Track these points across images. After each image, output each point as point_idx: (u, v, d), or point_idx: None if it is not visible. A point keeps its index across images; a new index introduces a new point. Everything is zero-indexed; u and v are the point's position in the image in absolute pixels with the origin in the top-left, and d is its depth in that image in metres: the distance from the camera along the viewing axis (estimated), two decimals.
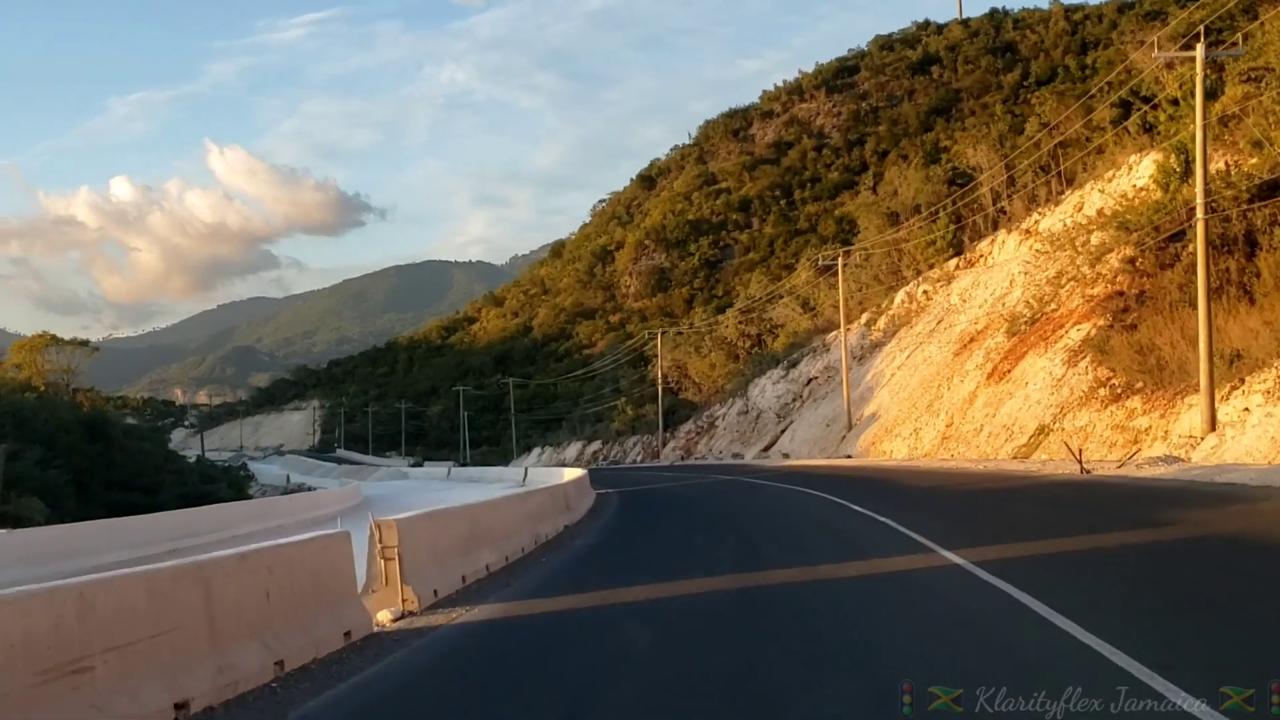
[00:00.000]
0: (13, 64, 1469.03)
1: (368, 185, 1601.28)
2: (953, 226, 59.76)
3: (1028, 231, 54.43)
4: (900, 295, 60.85)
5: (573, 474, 30.02)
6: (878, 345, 59.22)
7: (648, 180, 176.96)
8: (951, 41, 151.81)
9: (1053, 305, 41.74)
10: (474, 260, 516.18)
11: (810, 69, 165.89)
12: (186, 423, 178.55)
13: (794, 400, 64.37)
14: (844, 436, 51.50)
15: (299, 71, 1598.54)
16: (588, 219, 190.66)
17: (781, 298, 75.91)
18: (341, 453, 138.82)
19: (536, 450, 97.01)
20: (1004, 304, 46.97)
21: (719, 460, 64.15)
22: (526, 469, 56.84)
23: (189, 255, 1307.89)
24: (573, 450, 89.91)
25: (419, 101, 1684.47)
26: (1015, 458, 33.53)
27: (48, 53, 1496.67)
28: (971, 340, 46.83)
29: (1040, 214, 54.57)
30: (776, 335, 76.10)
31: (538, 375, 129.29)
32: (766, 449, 60.77)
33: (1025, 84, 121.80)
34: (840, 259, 53.67)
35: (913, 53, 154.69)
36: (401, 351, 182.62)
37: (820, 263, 60.47)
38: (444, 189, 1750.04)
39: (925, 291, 58.13)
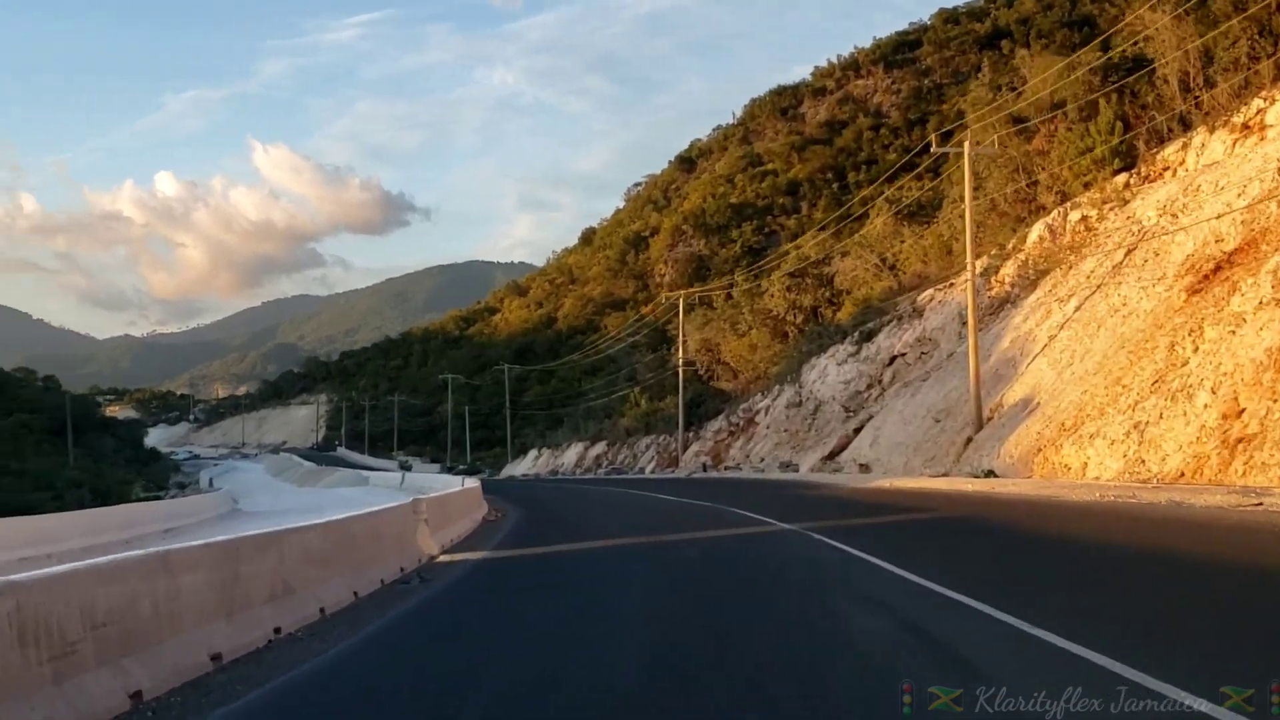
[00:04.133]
0: (72, 63, 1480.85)
1: (414, 186, 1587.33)
2: (1119, 127, 37.65)
3: (1246, 127, 32.89)
4: (1037, 229, 38.66)
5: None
6: (1007, 301, 37.00)
7: (687, 162, 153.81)
8: (1023, 14, 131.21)
9: None
10: (516, 261, 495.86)
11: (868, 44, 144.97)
12: (191, 417, 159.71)
13: (869, 387, 42.30)
14: (969, 439, 29.37)
15: (350, 72, 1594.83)
16: (621, 204, 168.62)
17: (846, 255, 53.70)
18: (341, 452, 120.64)
19: (533, 453, 75.22)
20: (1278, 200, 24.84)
21: (759, 473, 42.28)
22: (474, 478, 35.84)
23: (235, 252, 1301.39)
24: (573, 453, 67.91)
25: (467, 104, 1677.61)
26: None
27: (108, 51, 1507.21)
28: (1220, 267, 24.62)
29: (1266, 99, 32.93)
30: (839, 305, 53.99)
31: (557, 369, 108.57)
32: (832, 456, 38.81)
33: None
34: (968, 146, 31.60)
35: (980, 26, 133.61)
36: (416, 344, 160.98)
37: (932, 151, 38.19)
38: (490, 191, 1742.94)
39: (1084, 218, 35.82)
